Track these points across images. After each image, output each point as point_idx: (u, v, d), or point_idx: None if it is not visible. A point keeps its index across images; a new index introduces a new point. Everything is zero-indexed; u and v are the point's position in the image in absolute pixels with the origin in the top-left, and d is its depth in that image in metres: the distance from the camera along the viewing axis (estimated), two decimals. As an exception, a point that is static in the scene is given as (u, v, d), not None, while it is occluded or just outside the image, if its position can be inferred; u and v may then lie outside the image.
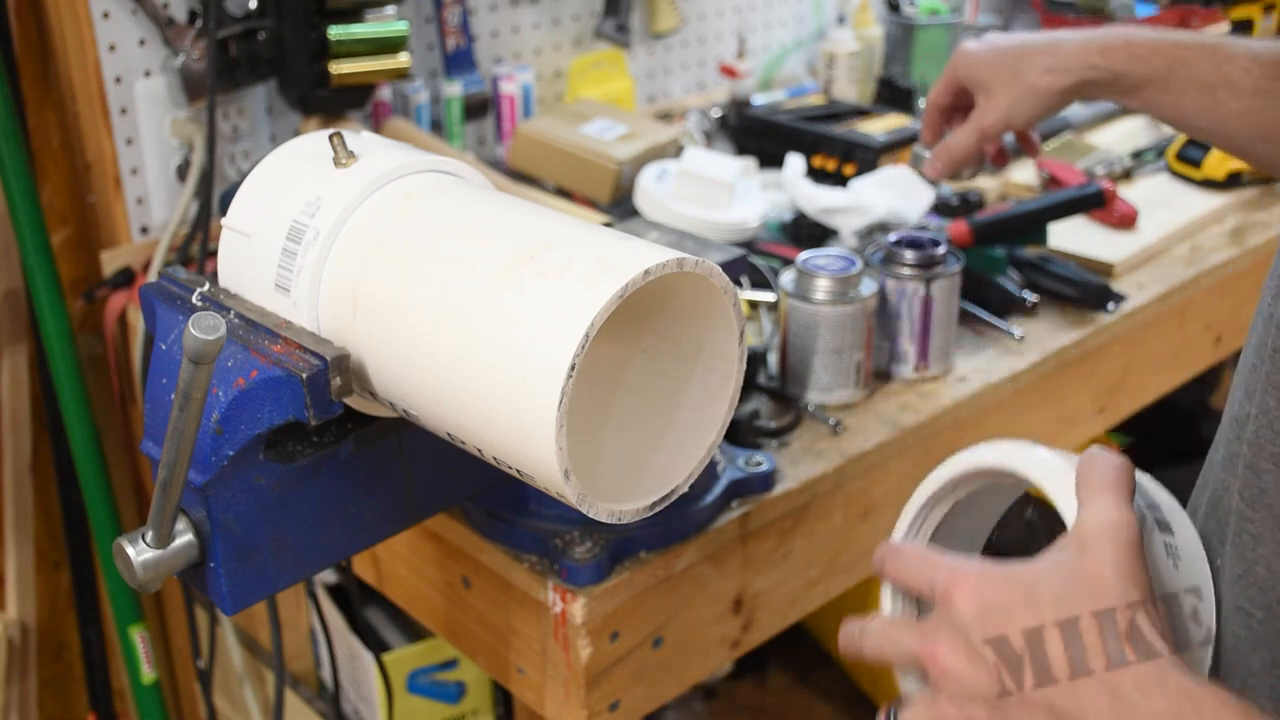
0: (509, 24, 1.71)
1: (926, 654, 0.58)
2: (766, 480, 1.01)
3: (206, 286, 0.79)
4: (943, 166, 1.18)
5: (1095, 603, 0.55)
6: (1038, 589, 0.57)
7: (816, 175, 1.56)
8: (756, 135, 1.68)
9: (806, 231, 1.43)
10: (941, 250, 1.16)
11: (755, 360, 1.17)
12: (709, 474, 0.98)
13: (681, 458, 0.73)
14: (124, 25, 1.36)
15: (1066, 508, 0.62)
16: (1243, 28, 1.65)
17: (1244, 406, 0.62)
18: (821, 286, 1.11)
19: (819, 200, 1.41)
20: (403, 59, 1.42)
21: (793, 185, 1.46)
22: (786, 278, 1.14)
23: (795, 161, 1.50)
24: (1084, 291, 1.30)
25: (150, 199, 1.43)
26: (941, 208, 1.49)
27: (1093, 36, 1.07)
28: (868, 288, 1.12)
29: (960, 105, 1.19)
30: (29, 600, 1.49)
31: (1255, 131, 0.99)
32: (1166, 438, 2.06)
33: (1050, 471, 0.64)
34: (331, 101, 1.41)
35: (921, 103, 1.86)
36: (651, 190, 1.42)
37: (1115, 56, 1.04)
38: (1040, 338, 1.26)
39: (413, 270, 0.70)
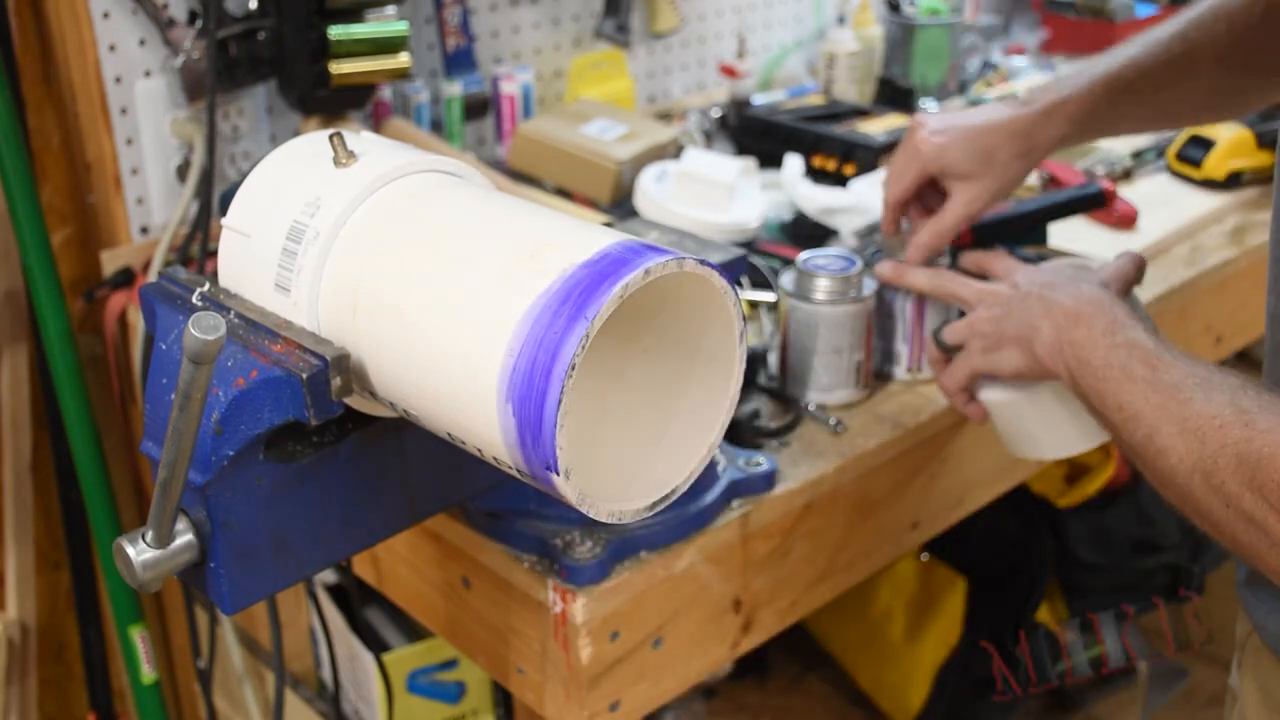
0: (509, 24, 1.71)
1: (980, 300, 1.03)
2: (767, 480, 1.01)
3: (206, 286, 0.79)
4: (921, 260, 1.13)
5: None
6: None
7: (816, 175, 1.56)
8: (756, 135, 1.68)
9: (806, 231, 1.43)
10: None
11: (755, 360, 1.17)
12: (709, 474, 0.98)
13: (681, 457, 0.73)
14: (124, 25, 1.36)
15: None
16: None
17: None
18: (821, 286, 1.11)
19: (818, 200, 1.41)
20: (403, 59, 1.42)
21: (792, 185, 1.46)
22: (786, 278, 1.14)
23: (793, 162, 1.50)
24: (1084, 291, 1.30)
25: (150, 199, 1.43)
26: (941, 208, 1.49)
27: (1051, 101, 1.08)
28: (868, 288, 1.12)
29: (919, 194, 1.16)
30: (29, 600, 1.49)
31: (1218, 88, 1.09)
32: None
33: None
34: (331, 101, 1.41)
35: (923, 103, 1.86)
36: (651, 191, 1.42)
37: (1079, 113, 1.08)
38: (1040, 338, 1.26)
39: (413, 270, 0.70)
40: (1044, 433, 1.03)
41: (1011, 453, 1.07)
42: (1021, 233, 1.33)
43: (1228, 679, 0.94)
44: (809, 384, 1.13)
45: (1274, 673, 0.88)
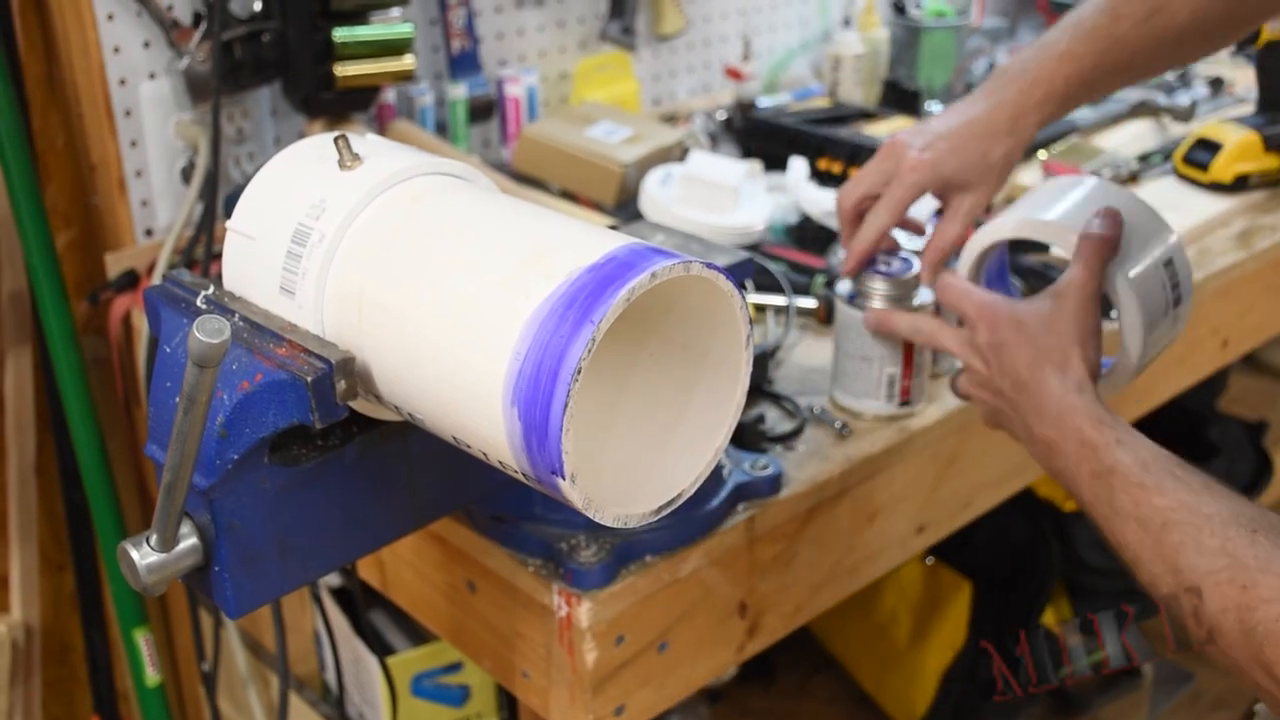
0: (514, 26, 1.71)
1: (962, 356, 0.95)
2: (773, 484, 1.01)
3: (211, 289, 0.79)
4: (932, 281, 1.07)
5: (1054, 339, 0.89)
6: (1026, 326, 0.90)
7: (822, 178, 1.56)
8: (762, 138, 1.68)
9: (812, 234, 1.43)
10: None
11: (761, 363, 1.17)
12: (715, 478, 0.98)
13: (687, 461, 0.72)
14: (128, 27, 1.36)
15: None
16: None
17: None
18: (878, 291, 1.08)
19: (824, 203, 1.41)
20: (408, 61, 1.42)
21: (797, 188, 1.46)
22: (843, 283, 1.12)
23: (798, 164, 1.50)
24: (1090, 294, 1.29)
25: (155, 201, 1.43)
26: (947, 210, 1.48)
27: (1030, 81, 1.03)
28: (923, 297, 1.09)
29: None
30: (33, 602, 1.49)
31: (1202, 29, 1.03)
32: (1173, 442, 2.05)
33: (1061, 241, 0.95)
34: (336, 104, 1.41)
35: (929, 105, 1.86)
36: (656, 193, 1.42)
37: (1059, 86, 1.03)
38: (1046, 341, 1.25)
39: (418, 273, 0.70)
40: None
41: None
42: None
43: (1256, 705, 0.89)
44: (836, 385, 1.13)
45: None
